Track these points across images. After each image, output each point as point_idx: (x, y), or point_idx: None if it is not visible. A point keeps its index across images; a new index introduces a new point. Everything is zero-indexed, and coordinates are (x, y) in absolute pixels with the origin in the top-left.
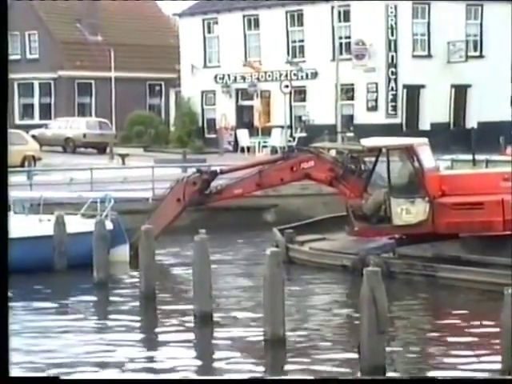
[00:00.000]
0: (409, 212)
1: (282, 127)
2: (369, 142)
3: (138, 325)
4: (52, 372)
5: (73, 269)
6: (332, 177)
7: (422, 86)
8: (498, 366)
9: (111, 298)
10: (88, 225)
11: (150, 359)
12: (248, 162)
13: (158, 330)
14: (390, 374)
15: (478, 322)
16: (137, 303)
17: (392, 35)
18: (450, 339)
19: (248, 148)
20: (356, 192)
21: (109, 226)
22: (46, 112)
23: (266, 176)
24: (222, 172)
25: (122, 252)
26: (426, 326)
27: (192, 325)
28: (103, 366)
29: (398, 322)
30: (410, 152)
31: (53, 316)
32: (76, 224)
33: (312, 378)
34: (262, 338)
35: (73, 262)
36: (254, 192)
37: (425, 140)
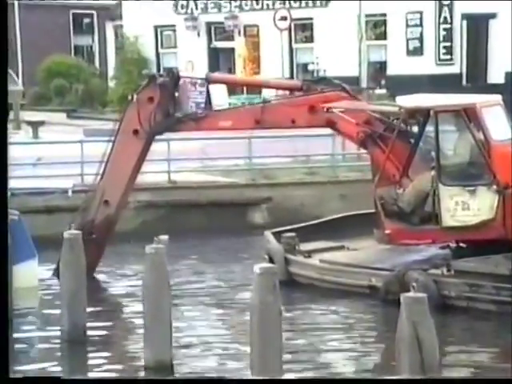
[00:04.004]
0: (467, 207)
1: None
2: (409, 101)
3: None
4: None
5: None
6: (366, 134)
7: (492, 16)
8: None
9: (16, 347)
10: None
11: None
12: (249, 78)
13: None
14: None
15: None
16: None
17: None
18: None
19: None
20: (395, 160)
21: None
22: None
23: (272, 111)
24: (207, 80)
25: (28, 271)
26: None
27: None
28: None
29: (455, 372)
30: (471, 116)
31: None
32: None
33: (312, 377)
34: None
35: None
36: (248, 129)
37: (496, 98)
